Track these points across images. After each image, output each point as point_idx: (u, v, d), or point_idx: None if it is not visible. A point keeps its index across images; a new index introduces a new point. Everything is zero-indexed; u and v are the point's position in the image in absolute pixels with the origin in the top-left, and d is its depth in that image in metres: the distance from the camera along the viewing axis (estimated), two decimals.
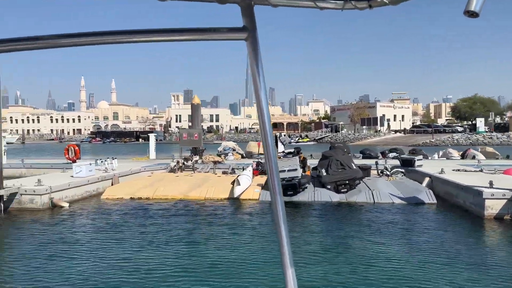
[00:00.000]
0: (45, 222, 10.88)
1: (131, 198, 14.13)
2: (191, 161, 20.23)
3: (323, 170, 14.50)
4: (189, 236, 9.45)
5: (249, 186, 14.11)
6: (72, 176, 14.65)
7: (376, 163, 17.36)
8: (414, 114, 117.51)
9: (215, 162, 20.84)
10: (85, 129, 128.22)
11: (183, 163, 20.03)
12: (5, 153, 21.98)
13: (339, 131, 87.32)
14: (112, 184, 15.94)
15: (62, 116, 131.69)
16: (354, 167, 14.40)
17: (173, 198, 13.95)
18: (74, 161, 21.57)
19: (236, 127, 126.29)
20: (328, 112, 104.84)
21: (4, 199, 11.95)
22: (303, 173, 14.75)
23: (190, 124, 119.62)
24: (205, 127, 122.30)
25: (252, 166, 17.34)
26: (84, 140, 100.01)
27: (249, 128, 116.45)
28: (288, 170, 13.16)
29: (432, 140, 62.76)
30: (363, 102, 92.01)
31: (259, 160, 18.04)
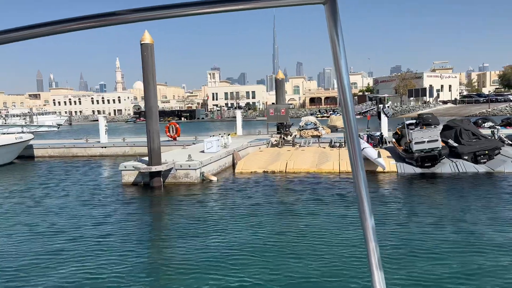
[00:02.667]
0: (206, 194, 11.37)
1: (264, 172, 14.50)
2: (291, 136, 20.43)
3: (451, 141, 14.31)
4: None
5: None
6: (202, 152, 15.10)
7: (492, 132, 16.94)
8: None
9: (313, 136, 20.99)
10: (125, 110, 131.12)
11: (283, 138, 20.27)
12: (106, 133, 22.85)
13: (384, 103, 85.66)
14: (233, 159, 16.37)
15: (103, 97, 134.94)
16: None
17: (307, 171, 14.21)
18: (175, 139, 22.23)
19: (273, 103, 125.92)
20: (370, 84, 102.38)
21: (162, 174, 12.53)
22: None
23: (226, 102, 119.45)
24: (242, 104, 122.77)
25: (363, 139, 17.34)
26: (129, 120, 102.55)
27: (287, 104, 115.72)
28: (428, 141, 13.07)
29: (489, 110, 60.45)
30: (409, 73, 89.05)
31: (370, 133, 17.97)
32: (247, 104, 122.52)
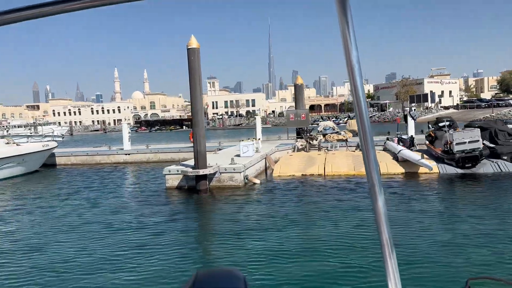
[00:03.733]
0: (252, 197, 11.35)
1: (302, 175, 14.53)
2: (316, 140, 20.50)
3: (486, 142, 14.44)
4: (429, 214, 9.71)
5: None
6: (238, 156, 15.11)
7: None
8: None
9: (339, 140, 21.08)
10: (125, 119, 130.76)
11: (309, 142, 20.35)
12: (129, 140, 22.83)
13: (385, 110, 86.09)
14: (266, 163, 16.40)
15: (103, 107, 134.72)
16: None
17: (346, 174, 14.25)
18: None
19: (273, 111, 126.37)
20: (370, 91, 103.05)
21: (208, 178, 12.52)
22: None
23: (229, 110, 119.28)
24: (242, 112, 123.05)
25: (393, 141, 17.45)
26: (131, 129, 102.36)
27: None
28: (469, 142, 13.18)
29: (493, 114, 60.99)
30: (410, 79, 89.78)
31: (400, 135, 18.07)
32: (247, 112, 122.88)
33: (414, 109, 20.08)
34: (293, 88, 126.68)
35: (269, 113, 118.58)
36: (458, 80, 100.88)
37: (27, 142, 19.15)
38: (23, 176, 17.95)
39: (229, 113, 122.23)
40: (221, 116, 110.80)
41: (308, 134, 21.45)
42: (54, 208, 11.10)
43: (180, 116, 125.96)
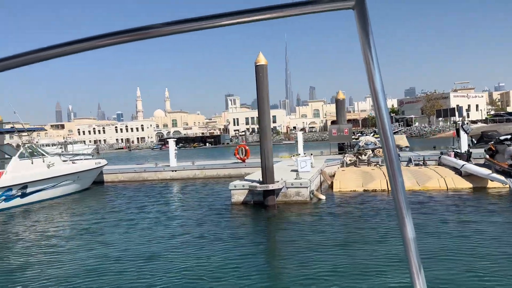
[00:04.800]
0: (323, 213, 11.21)
1: (364, 190, 14.35)
2: (365, 155, 20.32)
3: None
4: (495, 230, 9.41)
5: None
6: (295, 171, 15.05)
7: None
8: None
9: None
10: (148, 137, 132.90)
11: (358, 158, 20.19)
12: (176, 157, 23.09)
13: (411, 125, 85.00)
14: (321, 178, 16.28)
15: (126, 126, 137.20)
16: None
17: (411, 189, 14.00)
18: (244, 161, 22.30)
19: (294, 127, 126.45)
20: (395, 105, 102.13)
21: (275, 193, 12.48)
22: None
23: (250, 127, 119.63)
24: None
25: (450, 155, 17.14)
26: (155, 147, 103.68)
27: (310, 127, 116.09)
28: None
29: None
30: (436, 93, 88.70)
31: (455, 150, 17.76)
32: None
33: (467, 123, 19.71)
34: (313, 104, 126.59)
35: (290, 129, 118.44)
36: (484, 94, 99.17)
37: (81, 160, 19.52)
38: (78, 194, 18.27)
39: (250, 130, 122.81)
40: (243, 133, 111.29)
41: (357, 149, 21.31)
42: (132, 222, 11.21)
43: (202, 133, 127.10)
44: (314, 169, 15.73)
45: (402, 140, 25.80)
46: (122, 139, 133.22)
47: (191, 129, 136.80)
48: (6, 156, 17.90)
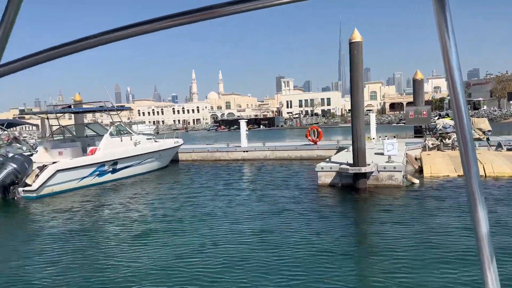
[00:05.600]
0: (420, 198, 10.65)
1: (458, 176, 13.55)
2: (449, 139, 19.19)
3: None
4: None
5: None
6: (381, 154, 14.51)
7: None
8: None
9: (476, 139, 19.57)
10: (203, 119, 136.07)
11: (442, 141, 19.12)
12: (247, 137, 23.24)
13: (478, 108, 79.46)
14: (406, 161, 15.60)
15: (183, 107, 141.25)
16: None
17: (510, 175, 13.01)
18: (316, 143, 21.98)
19: (349, 110, 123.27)
20: None
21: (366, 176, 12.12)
22: None
23: (303, 109, 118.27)
24: (318, 111, 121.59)
25: None
26: (210, 128, 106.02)
27: (367, 110, 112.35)
28: None
29: None
30: (508, 74, 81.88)
31: None
32: (323, 111, 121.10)
33: None
34: (369, 85, 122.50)
35: (347, 112, 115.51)
36: None
37: (163, 139, 20.26)
38: (159, 171, 19.02)
39: (304, 112, 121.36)
40: (297, 115, 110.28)
41: (439, 133, 20.21)
42: (225, 198, 11.42)
43: (255, 115, 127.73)
44: (400, 153, 15.08)
45: (484, 123, 24.05)
46: (179, 120, 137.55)
47: (244, 111, 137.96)
48: (93, 133, 18.98)
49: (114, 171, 16.01)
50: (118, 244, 7.69)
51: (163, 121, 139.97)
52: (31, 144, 20.48)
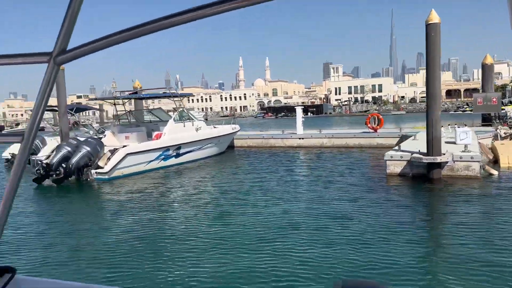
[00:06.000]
0: (495, 190, 9.88)
1: None
2: None
3: None
4: None
5: None
6: (454, 143, 13.68)
7: None
8: None
9: None
10: (250, 106, 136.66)
11: None
12: (303, 124, 22.94)
13: None
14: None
15: (230, 95, 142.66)
16: None
17: None
18: (376, 130, 21.25)
19: (403, 97, 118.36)
20: None
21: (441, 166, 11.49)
22: None
23: (353, 96, 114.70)
24: (368, 98, 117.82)
25: None
26: (258, 115, 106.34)
27: (421, 97, 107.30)
28: None
29: None
30: None
31: None
32: (373, 98, 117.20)
33: None
34: (424, 71, 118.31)
35: (401, 99, 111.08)
36: None
37: (222, 125, 20.50)
38: (217, 156, 19.28)
39: (353, 99, 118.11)
40: (346, 102, 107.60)
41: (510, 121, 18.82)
42: (292, 184, 11.33)
43: (302, 102, 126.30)
44: (474, 142, 14.16)
45: None
46: (226, 107, 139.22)
47: (291, 98, 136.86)
48: (156, 119, 19.53)
49: (177, 155, 16.42)
50: (195, 224, 7.82)
51: (211, 108, 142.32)
52: (96, 129, 21.48)
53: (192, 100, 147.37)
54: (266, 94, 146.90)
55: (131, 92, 18.15)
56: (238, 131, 22.03)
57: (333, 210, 8.55)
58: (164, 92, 17.58)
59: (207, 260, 5.99)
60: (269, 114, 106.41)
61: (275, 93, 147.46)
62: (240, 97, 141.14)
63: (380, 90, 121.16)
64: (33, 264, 6.32)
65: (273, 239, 6.80)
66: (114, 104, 17.63)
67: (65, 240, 7.50)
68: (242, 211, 8.77)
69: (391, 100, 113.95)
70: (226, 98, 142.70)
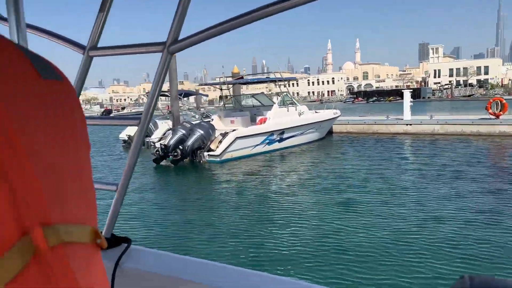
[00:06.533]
0: None
1: None
2: None
3: None
4: None
5: None
6: None
7: None
8: None
9: None
10: (338, 90, 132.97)
11: None
12: (411, 109, 21.48)
13: None
14: None
15: (318, 79, 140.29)
16: None
17: None
18: (498, 117, 19.00)
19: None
20: None
21: None
22: None
23: (454, 79, 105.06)
24: (471, 82, 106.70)
25: None
26: (347, 100, 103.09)
27: None
28: None
29: None
30: None
31: None
32: (478, 81, 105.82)
33: None
34: None
35: (510, 83, 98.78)
36: None
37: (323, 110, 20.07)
38: (317, 142, 18.91)
39: (454, 83, 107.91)
40: (448, 86, 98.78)
41: None
42: (407, 172, 10.58)
43: (396, 86, 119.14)
44: None
45: None
46: (313, 92, 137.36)
47: (383, 81, 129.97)
48: (258, 103, 19.74)
49: (281, 140, 16.44)
50: (318, 211, 7.63)
51: (297, 93, 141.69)
52: (201, 113, 22.50)
53: (279, 85, 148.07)
54: (355, 78, 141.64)
55: (237, 77, 18.57)
56: (339, 116, 21.35)
57: (476, 203, 7.70)
58: (267, 77, 17.64)
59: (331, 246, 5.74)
60: (359, 99, 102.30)
61: (365, 76, 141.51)
62: (328, 82, 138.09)
63: (486, 73, 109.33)
64: (147, 236, 6.75)
65: (414, 232, 6.30)
66: (221, 89, 18.18)
67: (178, 216, 7.99)
68: (367, 199, 8.35)
69: (499, 83, 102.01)
70: (313, 82, 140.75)
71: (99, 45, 1.20)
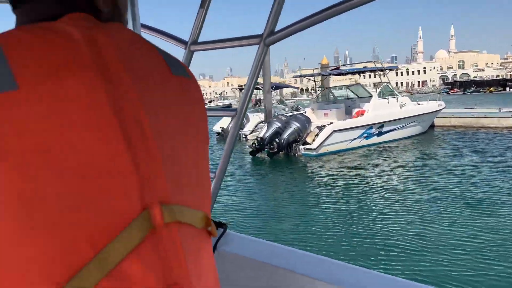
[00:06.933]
0: None
1: None
2: None
3: None
4: None
5: None
6: None
7: None
8: None
9: None
10: (430, 80, 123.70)
11: None
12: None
13: None
14: None
15: (407, 69, 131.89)
16: None
17: None
18: None
19: None
20: None
21: None
22: None
23: None
24: None
25: None
26: (441, 91, 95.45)
27: None
28: None
29: None
30: None
31: None
32: None
33: None
34: None
35: None
36: None
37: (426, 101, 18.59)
38: (418, 136, 17.52)
39: None
40: None
41: None
42: None
43: (497, 76, 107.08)
44: None
45: None
46: (401, 83, 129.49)
47: (483, 71, 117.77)
48: (353, 95, 18.86)
49: (379, 134, 15.50)
50: (437, 214, 6.85)
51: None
52: (291, 106, 22.26)
53: (364, 76, 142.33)
54: (450, 67, 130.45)
55: (333, 68, 17.93)
56: (443, 108, 19.55)
57: None
58: (364, 67, 16.71)
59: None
60: (455, 89, 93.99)
61: (461, 65, 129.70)
62: (418, 71, 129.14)
63: None
64: (242, 222, 6.83)
65: None
66: (314, 80, 17.69)
67: (273, 206, 8.06)
68: (496, 200, 7.37)
69: None
70: (402, 72, 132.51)
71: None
